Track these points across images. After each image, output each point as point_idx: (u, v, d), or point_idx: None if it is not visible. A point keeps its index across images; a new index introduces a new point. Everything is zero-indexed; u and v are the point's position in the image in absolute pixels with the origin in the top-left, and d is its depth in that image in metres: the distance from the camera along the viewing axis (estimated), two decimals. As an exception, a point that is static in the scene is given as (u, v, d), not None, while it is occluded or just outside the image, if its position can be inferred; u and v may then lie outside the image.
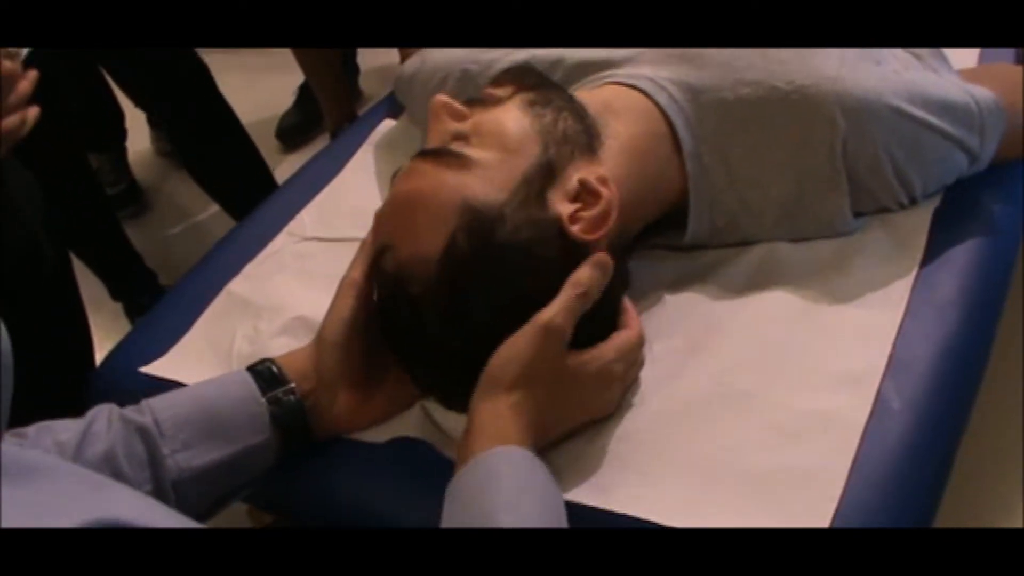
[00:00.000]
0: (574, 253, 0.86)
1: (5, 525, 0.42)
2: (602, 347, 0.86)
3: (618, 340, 0.87)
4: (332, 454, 0.93)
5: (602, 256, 0.85)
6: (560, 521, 0.76)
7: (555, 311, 0.82)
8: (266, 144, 2.36)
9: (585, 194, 0.88)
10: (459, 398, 0.90)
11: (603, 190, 0.87)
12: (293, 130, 2.57)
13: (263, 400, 0.88)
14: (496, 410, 0.81)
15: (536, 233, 0.85)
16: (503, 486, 0.76)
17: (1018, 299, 1.49)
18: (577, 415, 0.87)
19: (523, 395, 0.82)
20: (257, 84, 2.58)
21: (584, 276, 0.84)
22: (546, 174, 0.88)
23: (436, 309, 0.85)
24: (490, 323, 0.85)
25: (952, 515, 1.28)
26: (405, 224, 0.88)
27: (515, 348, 0.83)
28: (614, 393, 0.88)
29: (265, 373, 0.90)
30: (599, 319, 0.87)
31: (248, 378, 0.89)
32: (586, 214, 0.87)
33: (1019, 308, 1.51)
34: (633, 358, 0.89)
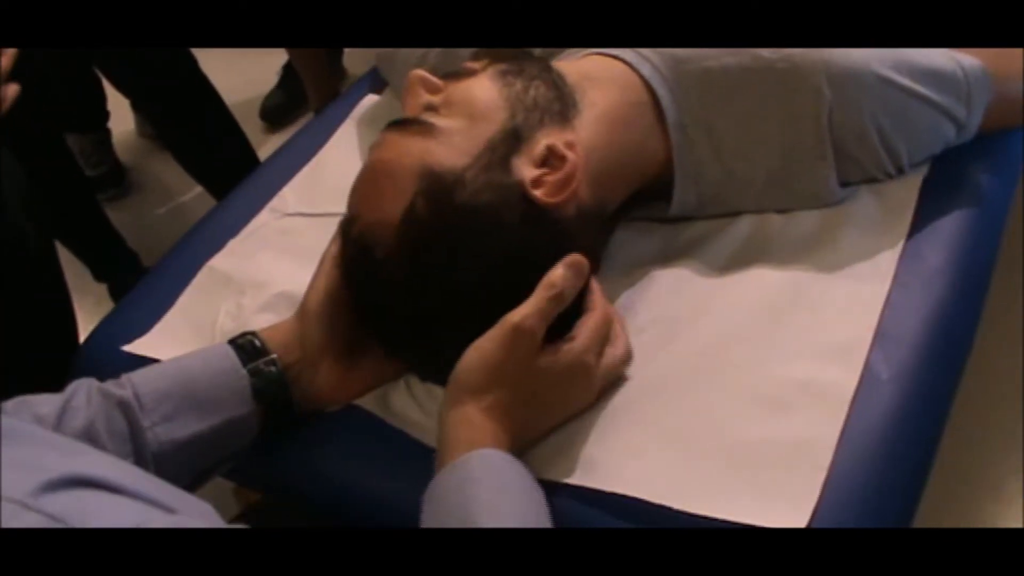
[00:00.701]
0: (538, 218, 0.85)
1: None
2: (572, 341, 0.83)
3: (587, 328, 0.84)
4: (314, 429, 0.93)
5: (577, 257, 0.83)
6: (541, 521, 0.75)
7: (526, 312, 0.81)
8: (250, 124, 2.35)
9: (552, 159, 0.87)
10: (429, 369, 0.91)
11: (569, 154, 0.87)
12: (277, 110, 2.56)
13: (244, 372, 0.88)
14: (466, 416, 0.80)
15: (497, 197, 0.84)
16: (480, 489, 0.74)
17: (1017, 286, 1.49)
18: (556, 411, 0.85)
19: (494, 398, 0.80)
20: (240, 64, 2.56)
21: (558, 277, 0.82)
22: (512, 140, 0.87)
23: (398, 274, 0.85)
24: (453, 289, 0.84)
25: (951, 508, 1.30)
26: (369, 193, 0.88)
27: (482, 351, 0.81)
28: (592, 383, 0.85)
29: (247, 346, 0.89)
30: (568, 307, 0.84)
31: (230, 351, 0.89)
32: (550, 178, 0.86)
33: (1019, 296, 1.51)
34: (604, 342, 0.87)
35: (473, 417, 0.80)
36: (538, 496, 0.77)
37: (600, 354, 0.86)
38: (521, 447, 0.82)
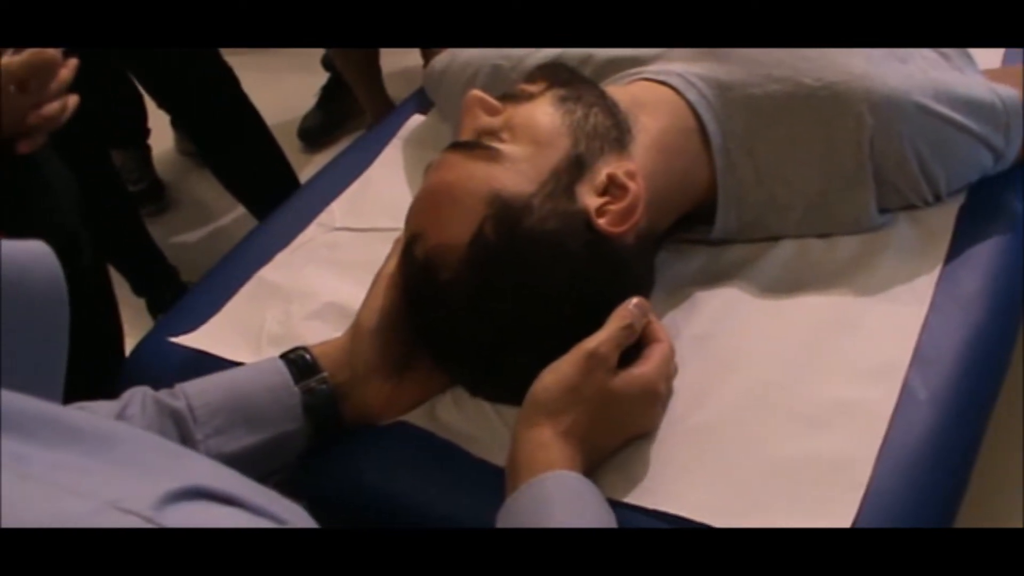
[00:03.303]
0: (600, 246, 0.88)
1: (94, 497, 0.41)
2: (644, 367, 0.85)
3: (657, 357, 0.86)
4: (361, 441, 0.94)
5: (643, 301, 0.87)
6: None
7: (601, 339, 0.83)
8: (288, 144, 2.38)
9: (613, 188, 0.89)
10: (484, 386, 0.93)
11: (631, 184, 0.89)
12: (315, 130, 2.58)
13: (296, 389, 0.89)
14: (542, 438, 0.81)
15: (562, 225, 0.87)
16: (556, 510, 0.76)
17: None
18: (620, 436, 0.86)
19: (572, 421, 0.82)
20: (279, 85, 2.59)
21: (628, 312, 0.85)
22: (575, 168, 0.89)
23: (463, 296, 0.87)
24: (515, 312, 0.86)
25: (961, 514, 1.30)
26: (435, 214, 0.90)
27: (560, 374, 0.83)
28: (657, 409, 0.87)
29: (299, 361, 0.91)
30: None
31: (282, 366, 0.90)
32: (613, 208, 0.88)
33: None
34: (670, 372, 0.89)
35: (549, 439, 0.81)
36: (611, 519, 0.78)
37: (668, 383, 0.88)
38: (590, 469, 0.83)
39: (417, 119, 1.33)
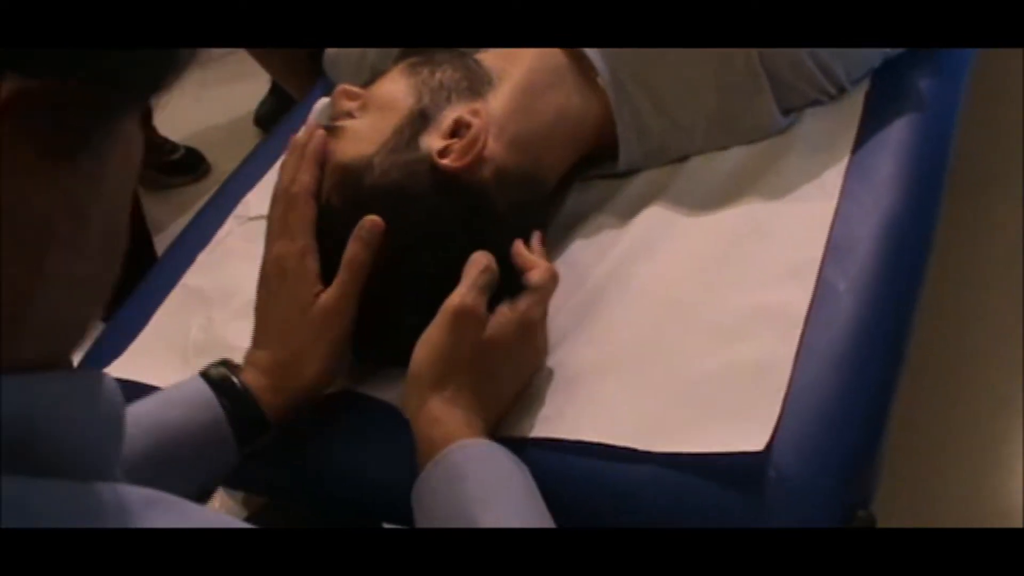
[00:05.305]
0: (449, 185, 0.87)
1: None
2: (514, 301, 0.83)
3: (530, 288, 0.84)
4: (331, 423, 0.92)
5: (480, 254, 0.84)
6: (532, 503, 0.75)
7: (462, 292, 0.81)
8: (246, 133, 2.45)
9: (461, 129, 0.89)
10: (365, 351, 0.91)
11: (473, 120, 0.89)
12: (270, 116, 2.54)
13: (232, 443, 0.85)
14: (432, 414, 0.79)
15: (405, 172, 0.87)
16: (468, 484, 0.74)
17: (1017, 292, 1.48)
18: (515, 380, 0.85)
19: (455, 386, 0.80)
20: (236, 78, 2.65)
21: (479, 256, 0.83)
22: (420, 121, 0.90)
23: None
24: (384, 271, 0.85)
25: (956, 511, 1.30)
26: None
27: (432, 342, 0.81)
28: (540, 339, 0.86)
29: (225, 386, 0.86)
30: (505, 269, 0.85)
31: (217, 411, 0.85)
32: (456, 146, 0.88)
33: (1018, 302, 1.50)
34: (547, 294, 0.86)
35: (440, 412, 0.79)
36: (523, 478, 0.76)
37: (544, 308, 0.86)
38: (495, 421, 0.82)
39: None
